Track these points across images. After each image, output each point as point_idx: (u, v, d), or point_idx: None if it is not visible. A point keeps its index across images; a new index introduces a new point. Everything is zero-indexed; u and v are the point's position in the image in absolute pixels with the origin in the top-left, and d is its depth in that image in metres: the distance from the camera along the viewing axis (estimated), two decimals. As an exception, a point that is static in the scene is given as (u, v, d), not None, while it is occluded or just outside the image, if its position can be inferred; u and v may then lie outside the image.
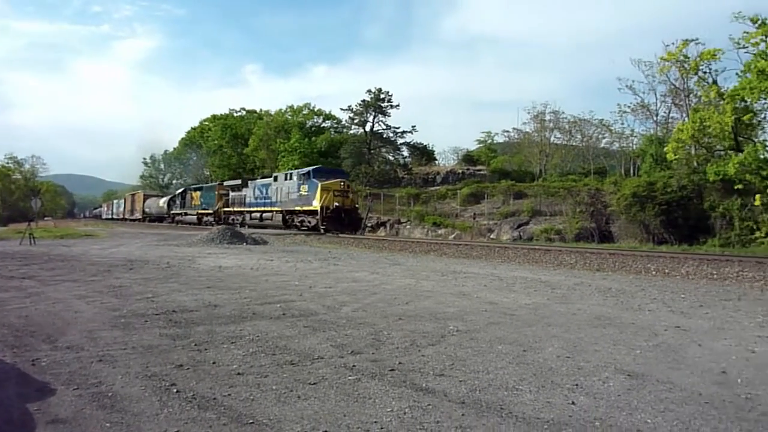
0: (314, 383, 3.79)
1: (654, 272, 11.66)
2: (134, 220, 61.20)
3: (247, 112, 71.81)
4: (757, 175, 23.13)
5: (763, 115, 26.50)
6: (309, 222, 27.91)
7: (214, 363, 4.23)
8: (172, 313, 6.16)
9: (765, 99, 24.90)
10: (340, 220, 26.62)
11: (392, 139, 53.74)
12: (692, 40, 28.14)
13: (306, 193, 27.92)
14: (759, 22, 24.29)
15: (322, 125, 61.65)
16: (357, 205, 29.92)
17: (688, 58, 28.50)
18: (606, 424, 3.12)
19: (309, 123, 61.09)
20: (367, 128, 53.66)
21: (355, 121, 54.50)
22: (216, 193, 40.67)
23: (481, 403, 3.42)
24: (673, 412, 3.33)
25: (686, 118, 30.06)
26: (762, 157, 24.05)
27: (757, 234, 22.95)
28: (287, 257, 14.47)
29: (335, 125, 61.35)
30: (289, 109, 62.64)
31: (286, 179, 30.72)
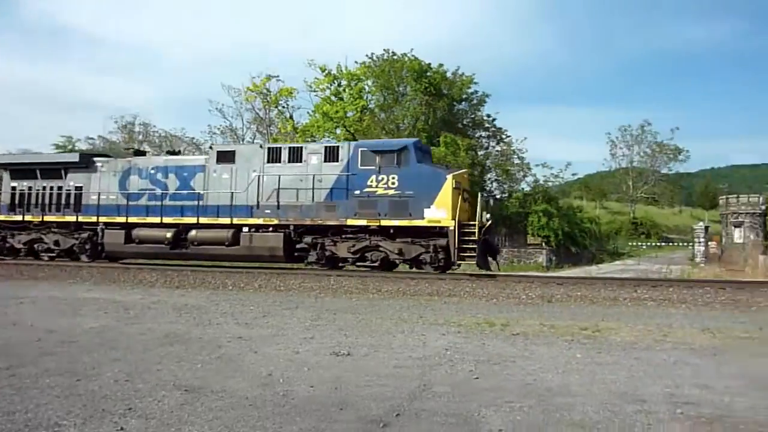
0: None
1: (231, 287, 12.38)
2: None
3: None
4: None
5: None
6: (404, 252, 13.30)
7: None
8: None
9: (329, 137, 29.90)
10: (492, 249, 14.40)
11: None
12: (275, 77, 31.68)
13: (394, 191, 13.18)
14: (326, 71, 29.07)
15: None
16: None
17: (270, 92, 31.92)
18: (152, 445, 3.10)
19: None
20: None
21: None
22: None
23: (9, 450, 2.96)
24: (220, 419, 3.56)
25: (267, 146, 33.32)
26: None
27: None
28: None
29: None
30: None
31: (283, 159, 14.32)
